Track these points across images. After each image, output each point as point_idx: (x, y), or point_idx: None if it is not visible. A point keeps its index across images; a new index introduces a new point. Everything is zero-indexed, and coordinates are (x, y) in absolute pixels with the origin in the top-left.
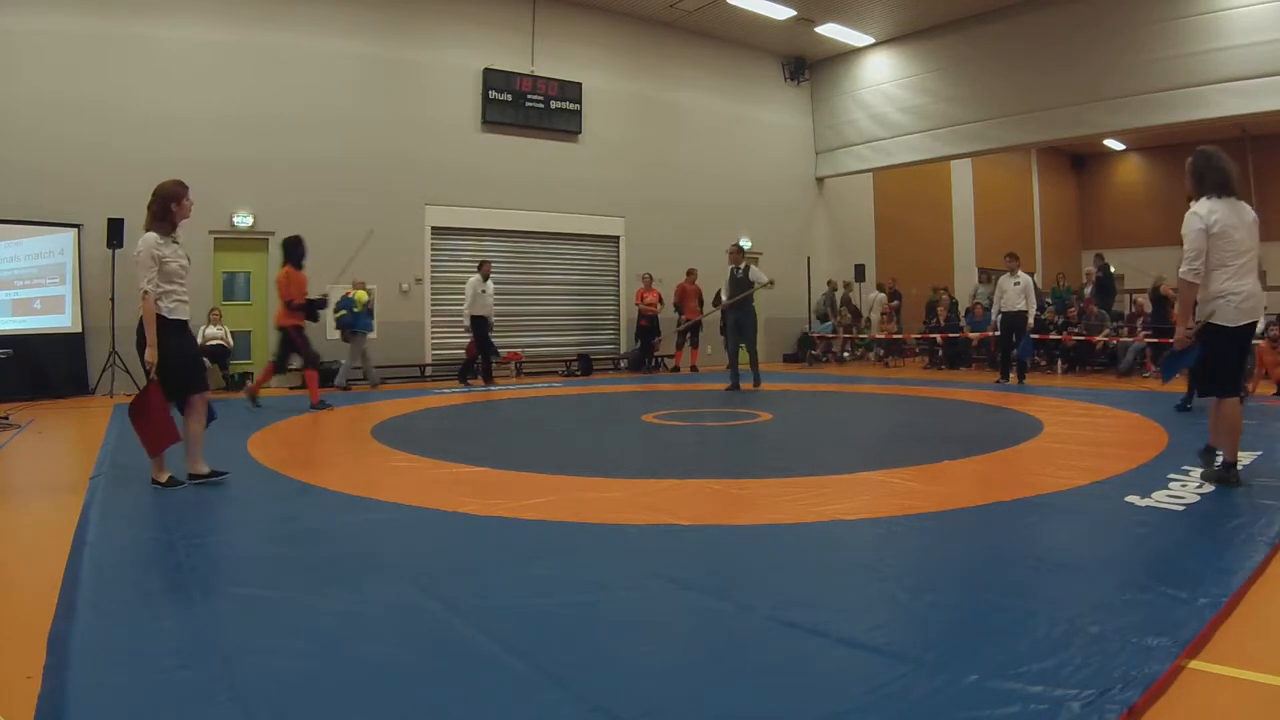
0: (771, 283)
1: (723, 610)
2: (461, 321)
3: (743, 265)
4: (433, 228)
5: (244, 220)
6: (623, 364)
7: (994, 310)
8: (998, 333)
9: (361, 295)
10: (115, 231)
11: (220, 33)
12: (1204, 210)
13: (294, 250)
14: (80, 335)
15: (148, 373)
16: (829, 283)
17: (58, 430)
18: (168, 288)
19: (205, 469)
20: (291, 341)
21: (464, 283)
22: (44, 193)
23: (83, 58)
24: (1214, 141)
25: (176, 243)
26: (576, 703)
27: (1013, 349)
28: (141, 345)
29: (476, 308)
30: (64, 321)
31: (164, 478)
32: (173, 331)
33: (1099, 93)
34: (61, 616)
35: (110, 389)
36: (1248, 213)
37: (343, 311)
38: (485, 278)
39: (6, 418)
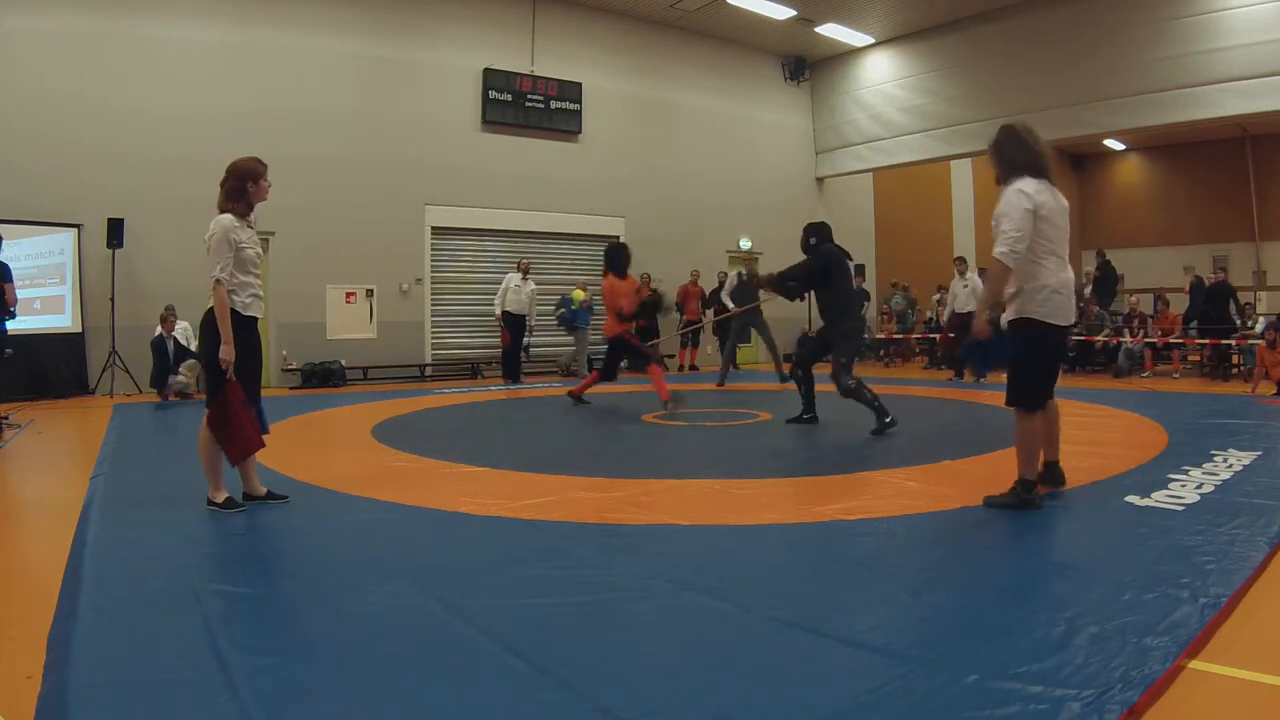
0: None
1: (723, 610)
2: (461, 320)
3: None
4: (433, 228)
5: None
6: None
7: (946, 312)
8: (951, 334)
9: (579, 294)
10: (115, 231)
11: (220, 33)
12: (1030, 189)
13: (616, 259)
14: (80, 335)
15: (222, 373)
16: (894, 284)
17: (57, 430)
18: (243, 279)
19: (262, 490)
20: (627, 347)
21: (464, 283)
22: (44, 193)
23: (83, 58)
24: (1214, 141)
25: (251, 228)
26: (577, 703)
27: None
28: (210, 343)
29: (507, 304)
30: (64, 321)
31: (221, 498)
32: (242, 331)
33: (1099, 93)
34: (61, 617)
35: (110, 389)
36: (1062, 199)
37: (562, 309)
38: (524, 275)
39: (6, 418)
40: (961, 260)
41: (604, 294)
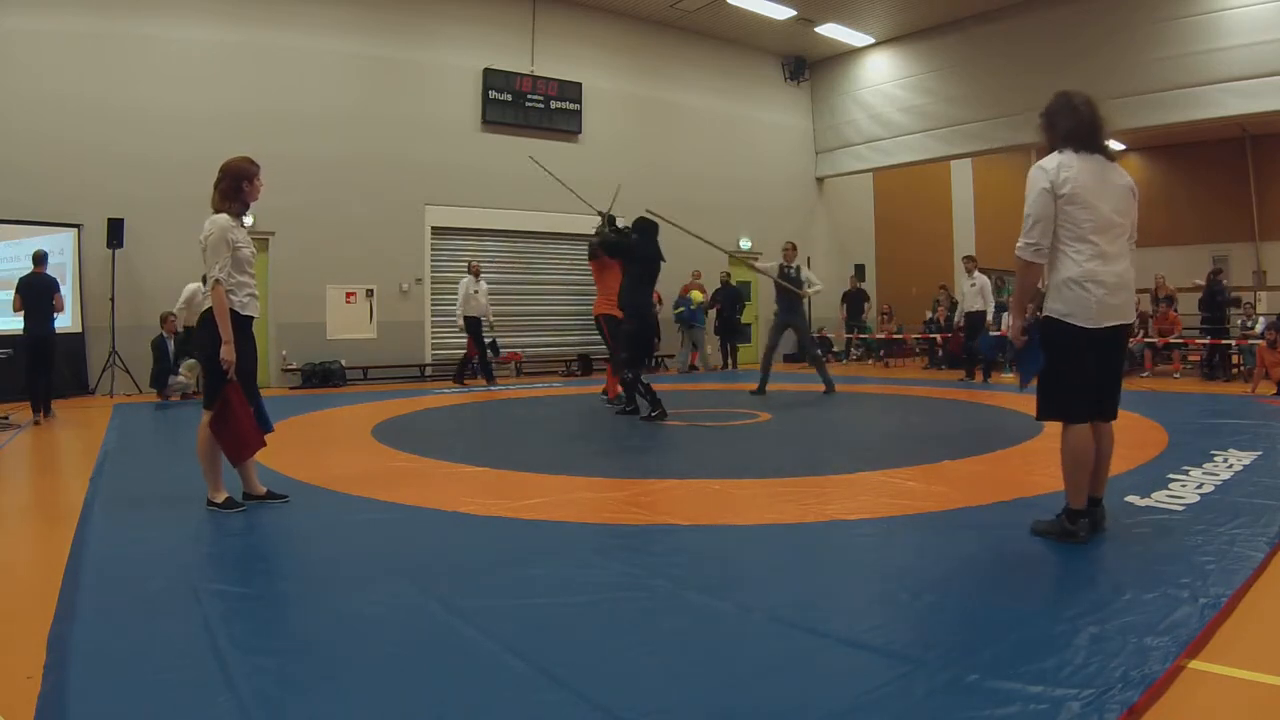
0: (817, 290)
1: (723, 610)
2: (455, 322)
3: (794, 264)
4: (433, 228)
5: (244, 220)
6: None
7: (958, 313)
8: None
9: (697, 295)
10: (115, 231)
11: (220, 33)
12: (1051, 165)
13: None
14: (80, 335)
15: (223, 373)
16: (941, 286)
17: (57, 430)
18: (240, 278)
19: (262, 489)
20: (601, 331)
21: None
22: (44, 193)
23: (83, 58)
24: (1214, 141)
25: (244, 227)
26: (576, 703)
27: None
28: (208, 343)
29: (470, 308)
30: (64, 321)
31: (221, 498)
32: (239, 330)
33: (1099, 93)
34: (61, 617)
35: (110, 389)
36: (1120, 176)
37: (681, 309)
38: (477, 277)
39: (6, 418)
40: (971, 259)
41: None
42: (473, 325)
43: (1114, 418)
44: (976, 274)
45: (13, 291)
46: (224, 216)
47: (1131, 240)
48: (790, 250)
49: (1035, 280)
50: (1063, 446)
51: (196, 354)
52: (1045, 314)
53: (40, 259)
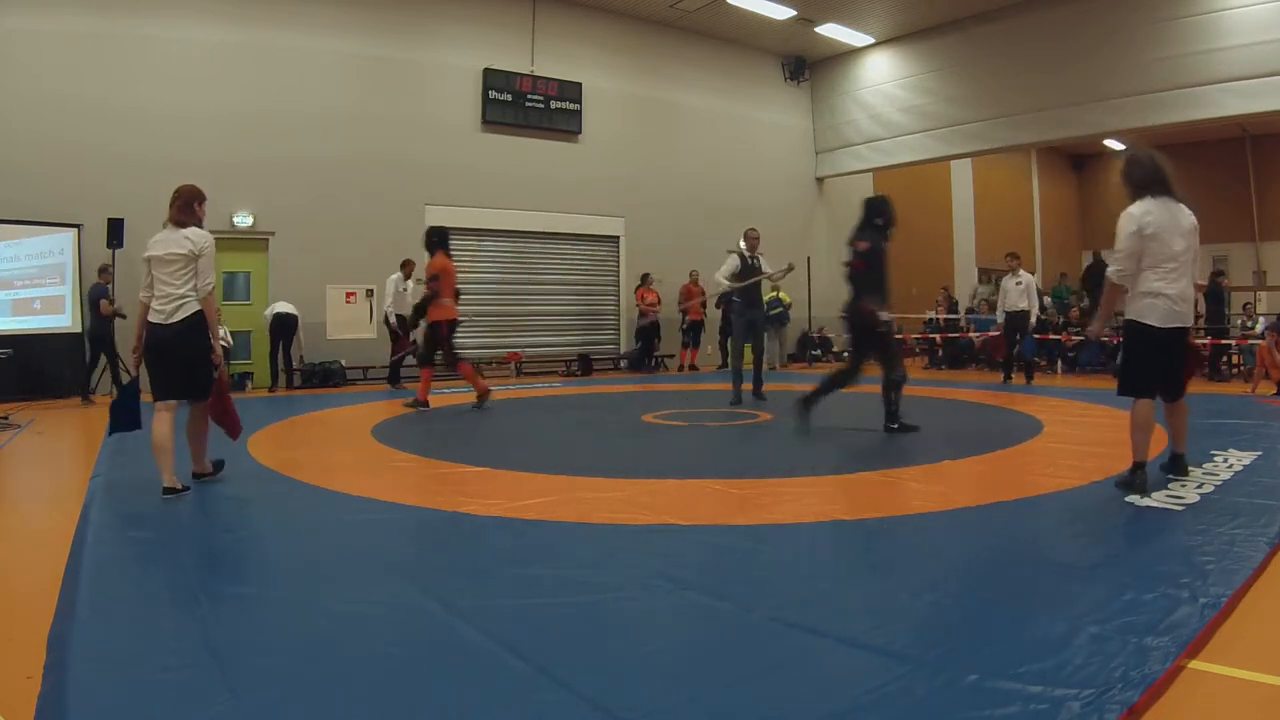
0: (789, 269)
1: (723, 610)
2: (460, 320)
3: (758, 254)
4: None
5: (244, 220)
6: (623, 364)
7: (999, 311)
8: (1001, 333)
9: (785, 297)
10: (115, 231)
11: (220, 33)
12: (1138, 211)
13: (444, 238)
14: (80, 335)
15: (216, 368)
16: (943, 288)
17: (57, 430)
18: None
19: (209, 467)
20: (440, 337)
21: (464, 283)
22: (44, 193)
23: (83, 58)
24: (1214, 141)
25: None
26: (577, 703)
27: (1016, 349)
28: (202, 346)
29: (401, 306)
30: (64, 321)
31: (209, 468)
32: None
33: (1099, 93)
34: (61, 617)
35: (110, 389)
36: (1186, 217)
37: (778, 309)
38: (408, 276)
39: (6, 418)
40: (1014, 256)
41: (443, 273)
42: (405, 324)
43: (1177, 398)
44: (1022, 272)
45: (12, 292)
46: (209, 234)
47: (1196, 263)
48: (755, 239)
49: (1120, 298)
50: (1132, 414)
51: (180, 354)
52: (1127, 317)
53: (102, 270)
